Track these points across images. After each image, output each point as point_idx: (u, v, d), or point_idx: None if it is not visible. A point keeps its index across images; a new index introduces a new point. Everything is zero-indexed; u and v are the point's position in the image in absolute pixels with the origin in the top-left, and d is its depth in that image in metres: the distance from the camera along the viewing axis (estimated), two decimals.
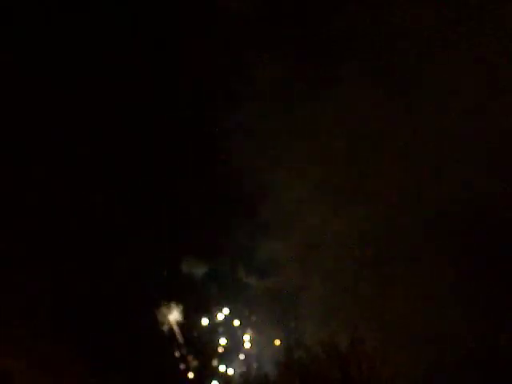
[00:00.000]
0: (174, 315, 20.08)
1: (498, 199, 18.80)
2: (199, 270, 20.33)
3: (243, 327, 20.50)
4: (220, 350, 20.21)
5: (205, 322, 20.30)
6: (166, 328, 20.05)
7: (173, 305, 20.09)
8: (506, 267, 18.95)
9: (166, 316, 20.06)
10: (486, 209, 18.86)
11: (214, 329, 20.29)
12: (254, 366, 20.16)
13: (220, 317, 20.36)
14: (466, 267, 18.90)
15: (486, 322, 18.61)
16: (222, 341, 20.22)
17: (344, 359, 17.02)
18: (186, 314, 20.18)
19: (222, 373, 20.05)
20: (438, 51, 19.54)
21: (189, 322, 20.18)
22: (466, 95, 19.06)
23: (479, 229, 19.04)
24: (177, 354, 19.96)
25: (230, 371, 20.09)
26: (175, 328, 20.00)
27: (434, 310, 19.11)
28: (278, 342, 20.15)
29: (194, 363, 20.01)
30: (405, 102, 19.36)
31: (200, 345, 20.14)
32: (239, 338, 20.40)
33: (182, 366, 19.92)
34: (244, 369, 20.18)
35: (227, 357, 20.20)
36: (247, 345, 20.36)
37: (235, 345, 20.31)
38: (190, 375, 19.93)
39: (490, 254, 18.88)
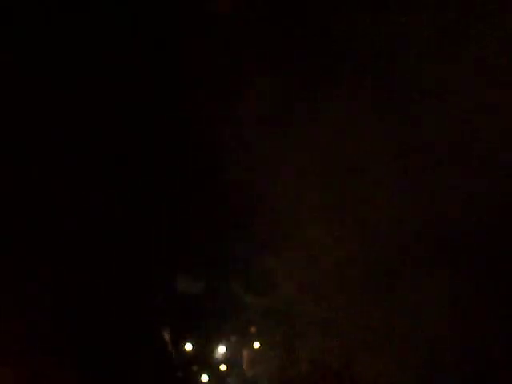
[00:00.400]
0: (170, 334, 20.01)
1: (498, 199, 18.91)
2: (196, 287, 20.27)
3: (240, 345, 20.47)
4: (218, 368, 20.16)
5: (202, 340, 20.24)
6: (161, 348, 20.00)
7: (168, 323, 20.03)
8: (506, 268, 19.01)
9: (162, 336, 20.00)
10: (485, 209, 18.95)
11: (210, 347, 20.23)
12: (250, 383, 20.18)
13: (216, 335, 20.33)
14: (466, 279, 18.89)
15: (486, 337, 18.63)
16: (219, 361, 20.15)
17: (338, 378, 17.08)
18: (182, 333, 20.15)
19: None
20: (438, 51, 19.65)
21: (185, 341, 20.13)
22: (466, 95, 19.15)
23: (479, 230, 19.08)
24: (173, 373, 19.94)
25: None
26: (170, 347, 19.94)
27: (431, 329, 19.02)
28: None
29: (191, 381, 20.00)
30: (405, 102, 19.48)
31: (196, 363, 20.11)
32: (236, 356, 20.37)
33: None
34: None
35: (224, 375, 20.17)
36: (243, 362, 20.33)
37: (232, 363, 20.30)
38: None
39: (490, 259, 18.97)
